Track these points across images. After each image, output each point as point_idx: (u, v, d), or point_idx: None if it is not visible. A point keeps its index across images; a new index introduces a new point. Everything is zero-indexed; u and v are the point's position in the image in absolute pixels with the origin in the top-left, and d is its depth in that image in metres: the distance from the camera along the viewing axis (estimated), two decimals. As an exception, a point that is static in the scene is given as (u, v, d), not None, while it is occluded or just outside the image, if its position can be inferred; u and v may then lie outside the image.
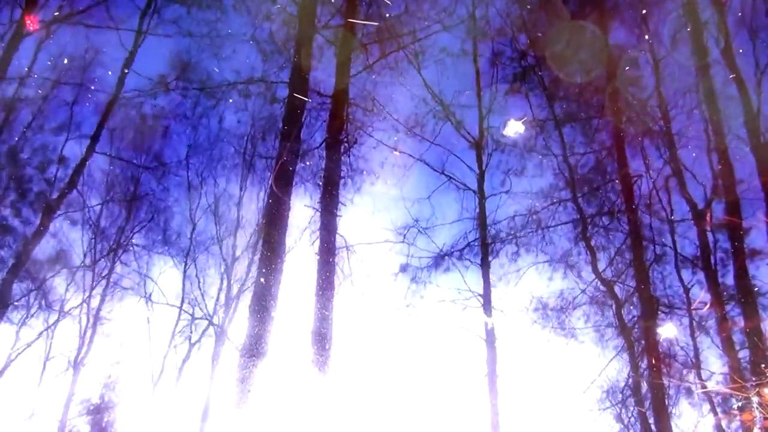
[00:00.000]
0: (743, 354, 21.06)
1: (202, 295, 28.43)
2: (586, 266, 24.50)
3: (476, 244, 23.99)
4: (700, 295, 23.41)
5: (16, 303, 25.60)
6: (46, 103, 26.68)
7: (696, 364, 23.56)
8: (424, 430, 23.93)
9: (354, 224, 22.44)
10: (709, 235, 23.42)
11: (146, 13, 25.93)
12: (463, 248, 24.43)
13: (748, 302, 19.87)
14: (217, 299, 28.31)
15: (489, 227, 23.95)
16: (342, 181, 19.77)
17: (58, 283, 27.94)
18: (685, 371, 23.98)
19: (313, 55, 20.64)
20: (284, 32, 24.17)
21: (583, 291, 24.88)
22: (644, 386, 22.02)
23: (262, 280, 16.16)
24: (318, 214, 18.85)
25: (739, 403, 19.13)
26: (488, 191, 24.21)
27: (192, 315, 28.43)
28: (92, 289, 28.12)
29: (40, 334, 27.17)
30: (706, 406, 23.56)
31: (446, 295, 23.87)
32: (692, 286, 24.27)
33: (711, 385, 22.79)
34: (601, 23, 24.27)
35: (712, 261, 23.18)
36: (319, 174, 20.63)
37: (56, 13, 24.99)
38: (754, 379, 17.68)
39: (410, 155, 24.76)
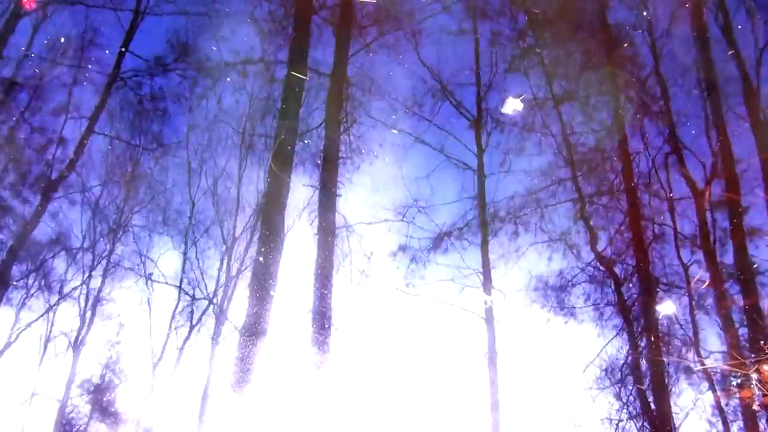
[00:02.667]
0: (742, 332, 21.12)
1: (202, 276, 28.46)
2: (586, 245, 24.53)
3: (475, 223, 24.02)
4: (699, 273, 23.42)
5: (15, 283, 25.65)
6: (43, 84, 26.57)
7: (695, 342, 23.61)
8: (424, 408, 24.05)
9: (353, 204, 22.47)
10: (708, 214, 23.38)
11: (144, -7, 25.85)
12: (463, 228, 24.46)
13: (746, 280, 19.93)
14: (217, 280, 28.34)
15: (488, 206, 23.96)
16: (341, 161, 19.76)
17: (58, 264, 27.99)
18: (684, 349, 24.05)
19: (312, 35, 20.58)
20: (282, 12, 24.11)
21: (583, 270, 24.92)
22: (643, 364, 22.10)
23: (261, 259, 16.19)
24: (317, 193, 18.87)
25: (738, 380, 19.19)
26: (487, 170, 24.23)
27: (192, 296, 28.45)
28: (92, 270, 28.14)
29: (41, 315, 27.21)
30: (705, 384, 23.65)
31: (446, 274, 23.95)
32: (691, 264, 24.27)
33: (710, 363, 22.86)
34: (600, 1, 24.22)
35: (711, 239, 23.16)
36: (318, 153, 20.64)
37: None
38: (753, 356, 17.73)
39: (409, 134, 24.76)
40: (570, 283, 24.93)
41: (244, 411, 14.67)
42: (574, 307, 24.99)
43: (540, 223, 25.25)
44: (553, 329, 24.75)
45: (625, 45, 25.54)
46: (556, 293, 25.18)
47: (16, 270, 24.88)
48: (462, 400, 23.55)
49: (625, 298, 23.37)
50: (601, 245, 24.12)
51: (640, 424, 22.94)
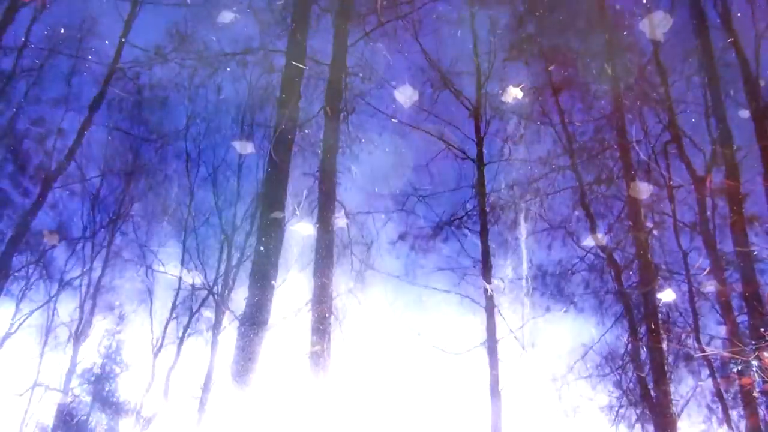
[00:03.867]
0: (742, 319, 21.16)
1: (202, 266, 28.48)
2: (585, 233, 24.53)
3: (475, 212, 24.00)
4: (699, 261, 23.42)
5: (16, 274, 25.68)
6: (42, 75, 26.56)
7: (695, 329, 23.65)
8: (424, 396, 24.12)
9: (353, 193, 22.49)
10: (708, 201, 23.36)
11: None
12: (462, 216, 24.46)
13: (746, 267, 19.93)
14: (218, 269, 28.36)
15: (488, 195, 23.93)
16: (340, 150, 19.74)
17: (58, 255, 28.05)
18: (684, 336, 24.11)
19: (311, 24, 20.54)
20: (281, 0, 24.03)
21: (582, 258, 24.96)
22: (643, 352, 22.15)
23: (262, 249, 16.19)
24: (317, 182, 18.85)
25: (739, 367, 19.23)
26: (487, 159, 24.19)
27: (192, 285, 28.49)
28: (93, 260, 28.19)
29: (44, 303, 27.28)
30: (705, 371, 23.73)
31: (446, 263, 23.97)
32: (691, 252, 24.29)
33: (710, 350, 22.91)
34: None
35: (711, 227, 23.14)
36: (318, 143, 20.61)
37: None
38: (753, 343, 17.78)
39: (408, 124, 24.70)
40: (570, 272, 24.97)
41: (245, 401, 14.70)
42: (574, 295, 25.06)
43: (540, 212, 25.29)
44: (553, 317, 24.80)
45: (625, 32, 25.51)
46: (555, 281, 25.24)
47: (16, 261, 24.91)
48: (462, 388, 23.62)
49: (625, 285, 23.40)
50: (600, 233, 24.15)
51: (640, 410, 23.04)
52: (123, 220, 28.85)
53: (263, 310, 15.56)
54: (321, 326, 16.42)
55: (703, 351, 23.01)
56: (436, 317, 24.19)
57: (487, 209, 23.63)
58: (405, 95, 16.67)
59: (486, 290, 22.00)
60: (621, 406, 23.83)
